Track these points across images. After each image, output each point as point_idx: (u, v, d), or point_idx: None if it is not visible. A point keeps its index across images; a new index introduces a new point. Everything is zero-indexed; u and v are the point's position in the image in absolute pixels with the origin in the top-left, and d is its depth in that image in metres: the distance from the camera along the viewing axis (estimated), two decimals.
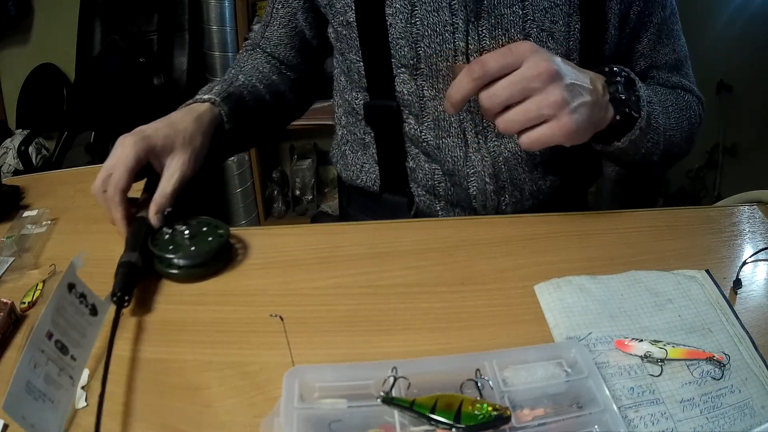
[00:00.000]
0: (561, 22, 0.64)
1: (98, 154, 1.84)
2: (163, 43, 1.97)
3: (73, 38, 2.09)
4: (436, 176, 0.74)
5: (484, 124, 0.69)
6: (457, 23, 0.64)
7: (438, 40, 0.65)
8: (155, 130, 0.63)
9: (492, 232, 0.61)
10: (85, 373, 0.47)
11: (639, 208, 0.65)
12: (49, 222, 0.69)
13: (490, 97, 0.55)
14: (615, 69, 0.62)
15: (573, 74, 0.56)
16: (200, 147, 0.66)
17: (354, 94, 0.77)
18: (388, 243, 0.60)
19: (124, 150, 0.60)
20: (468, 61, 0.66)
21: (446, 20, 0.64)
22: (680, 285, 0.51)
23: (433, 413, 0.38)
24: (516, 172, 0.71)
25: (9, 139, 2.14)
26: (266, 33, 0.82)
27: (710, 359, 0.44)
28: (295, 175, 2.21)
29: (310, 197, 2.24)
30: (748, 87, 1.88)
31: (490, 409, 0.38)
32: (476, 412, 0.38)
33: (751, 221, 0.62)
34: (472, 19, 0.64)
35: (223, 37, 1.82)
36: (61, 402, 0.41)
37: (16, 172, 2.05)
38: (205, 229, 0.59)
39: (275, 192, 2.21)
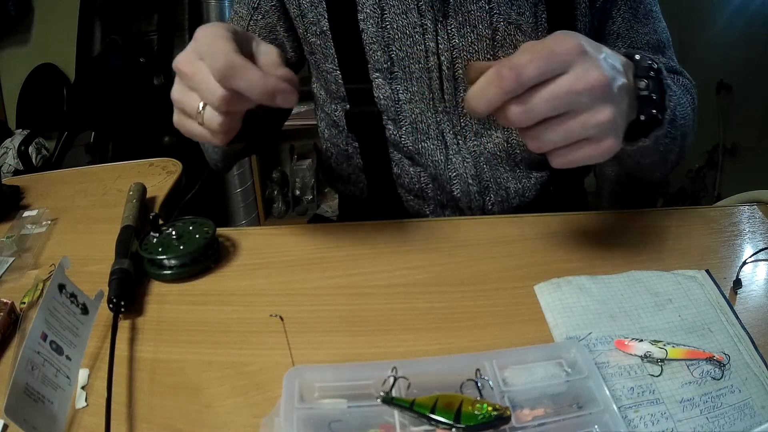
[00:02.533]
0: (528, 13, 0.64)
1: (98, 154, 1.85)
2: (163, 43, 1.97)
3: (73, 38, 2.09)
4: (422, 179, 0.74)
5: (462, 124, 0.69)
6: (426, 24, 0.64)
7: (409, 42, 0.65)
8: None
9: (492, 232, 0.61)
10: (85, 372, 0.47)
11: (639, 208, 0.65)
12: (49, 222, 0.69)
13: (526, 113, 0.44)
14: (645, 60, 0.52)
15: (618, 76, 0.46)
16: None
17: (333, 106, 0.76)
18: (388, 243, 0.60)
19: (207, 30, 0.48)
20: (439, 61, 0.66)
21: (415, 22, 0.64)
22: (680, 285, 0.51)
23: (433, 413, 0.38)
24: (498, 171, 0.71)
25: (9, 139, 2.14)
26: None
27: (710, 359, 0.44)
28: (295, 175, 2.21)
29: (310, 197, 2.24)
30: (748, 87, 1.88)
31: (490, 409, 0.38)
32: (476, 412, 0.38)
33: (751, 221, 0.62)
34: (440, 19, 0.64)
35: None
36: (60, 402, 0.42)
37: (16, 172, 2.05)
38: (191, 228, 0.60)
39: (275, 192, 2.21)
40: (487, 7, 0.63)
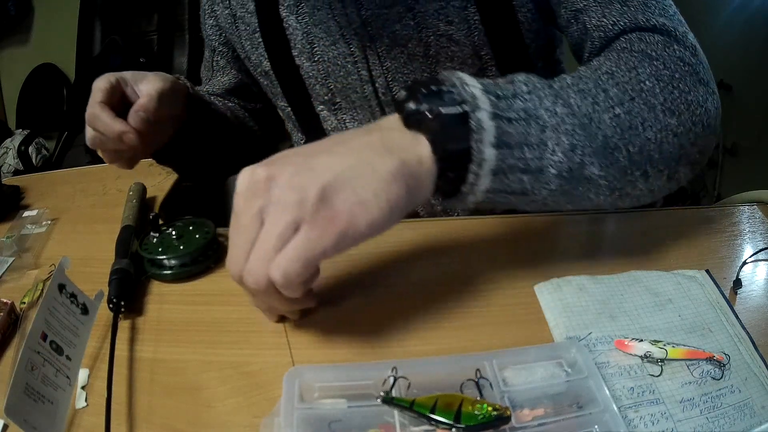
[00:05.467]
0: (457, 20, 0.59)
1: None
2: (163, 43, 1.98)
3: (73, 38, 2.09)
4: None
5: None
6: (355, 52, 0.63)
7: (342, 73, 0.64)
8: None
9: (492, 232, 0.61)
10: (85, 372, 0.47)
11: (639, 208, 0.65)
12: (49, 222, 0.69)
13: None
14: (414, 108, 0.40)
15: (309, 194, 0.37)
16: (174, 85, 0.63)
17: (297, 136, 0.77)
18: (388, 243, 0.60)
19: (96, 82, 0.59)
20: (374, 87, 0.65)
21: (344, 51, 0.63)
22: (680, 285, 0.51)
23: (433, 413, 0.38)
24: None
25: (9, 139, 2.15)
26: (208, 87, 0.81)
27: (710, 359, 0.44)
28: None
29: None
30: (748, 87, 1.88)
31: (490, 409, 0.38)
32: (476, 412, 0.38)
33: (751, 221, 0.62)
34: (368, 44, 0.62)
35: None
36: (60, 402, 0.42)
37: (16, 172, 2.05)
38: (191, 228, 0.60)
39: None
40: (412, 23, 0.59)
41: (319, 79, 0.66)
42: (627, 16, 0.50)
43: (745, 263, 0.54)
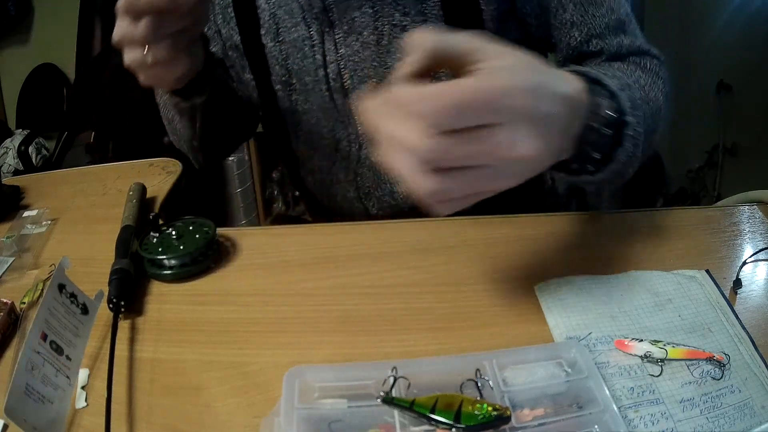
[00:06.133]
0: (413, 12, 0.60)
1: (98, 154, 1.85)
2: None
3: (73, 38, 2.09)
4: (314, 185, 0.78)
5: (357, 133, 0.70)
6: (313, 35, 0.64)
7: (300, 55, 0.66)
8: None
9: (492, 232, 0.61)
10: (85, 372, 0.47)
11: (639, 208, 0.65)
12: (49, 222, 0.69)
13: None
14: (602, 106, 0.44)
15: (553, 140, 0.39)
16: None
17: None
18: (387, 243, 0.60)
19: None
20: (326, 72, 0.65)
21: (304, 35, 0.64)
22: (680, 285, 0.51)
23: (433, 413, 0.38)
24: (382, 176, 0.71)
25: (9, 139, 2.15)
26: None
27: (710, 359, 0.44)
28: None
29: None
30: (748, 87, 1.88)
31: (490, 409, 0.38)
32: (476, 412, 0.38)
33: (751, 221, 0.62)
34: (327, 29, 0.63)
35: None
36: (60, 402, 0.42)
37: (16, 172, 2.05)
38: (191, 227, 0.61)
39: (275, 192, 2.21)
40: (370, 11, 0.61)
41: (279, 60, 0.67)
42: (633, 42, 0.61)
43: (745, 263, 0.54)
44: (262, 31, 0.67)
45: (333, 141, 0.71)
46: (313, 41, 0.64)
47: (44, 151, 2.18)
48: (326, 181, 0.76)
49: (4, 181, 0.77)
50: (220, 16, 0.70)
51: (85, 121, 1.96)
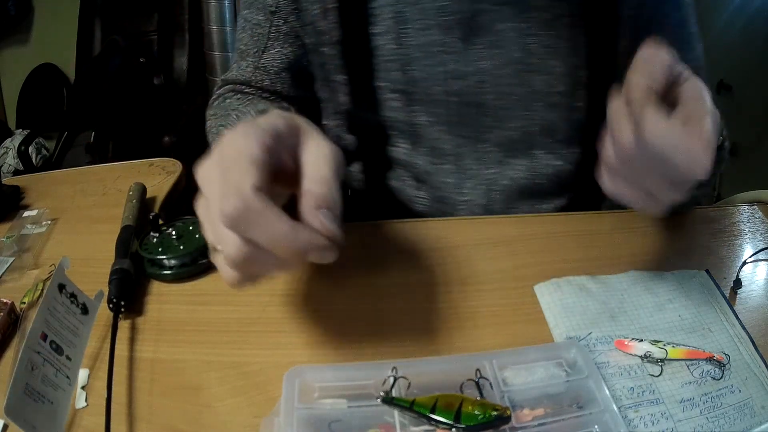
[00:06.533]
0: (566, 36, 0.58)
1: (98, 154, 1.85)
2: (163, 43, 1.98)
3: (73, 38, 2.09)
4: (421, 199, 0.70)
5: (484, 150, 0.65)
6: (449, 42, 0.59)
7: (429, 62, 0.60)
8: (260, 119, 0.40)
9: (492, 232, 0.61)
10: (85, 372, 0.47)
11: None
12: (49, 222, 0.69)
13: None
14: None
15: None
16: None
17: (333, 120, 0.70)
18: (388, 243, 0.60)
19: (236, 140, 0.37)
20: (463, 84, 0.60)
21: (437, 39, 0.59)
22: (680, 285, 0.51)
23: (433, 413, 0.38)
24: (511, 199, 0.68)
25: (9, 139, 2.15)
26: (261, 62, 0.68)
27: (710, 359, 0.44)
28: None
29: None
30: (748, 87, 1.87)
31: (490, 409, 0.38)
32: (476, 412, 0.38)
33: (751, 221, 0.62)
34: (469, 38, 0.59)
35: (223, 37, 1.83)
36: (60, 402, 0.42)
37: (16, 172, 2.05)
38: (191, 228, 0.60)
39: None
40: (521, 26, 0.57)
41: (399, 65, 0.61)
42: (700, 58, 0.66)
43: (745, 263, 0.54)
44: (376, 30, 0.60)
45: (456, 156, 0.66)
46: (449, 48, 0.59)
47: (44, 151, 2.18)
48: (450, 200, 0.68)
49: (4, 181, 0.77)
50: (318, 6, 0.62)
51: (85, 121, 1.96)
